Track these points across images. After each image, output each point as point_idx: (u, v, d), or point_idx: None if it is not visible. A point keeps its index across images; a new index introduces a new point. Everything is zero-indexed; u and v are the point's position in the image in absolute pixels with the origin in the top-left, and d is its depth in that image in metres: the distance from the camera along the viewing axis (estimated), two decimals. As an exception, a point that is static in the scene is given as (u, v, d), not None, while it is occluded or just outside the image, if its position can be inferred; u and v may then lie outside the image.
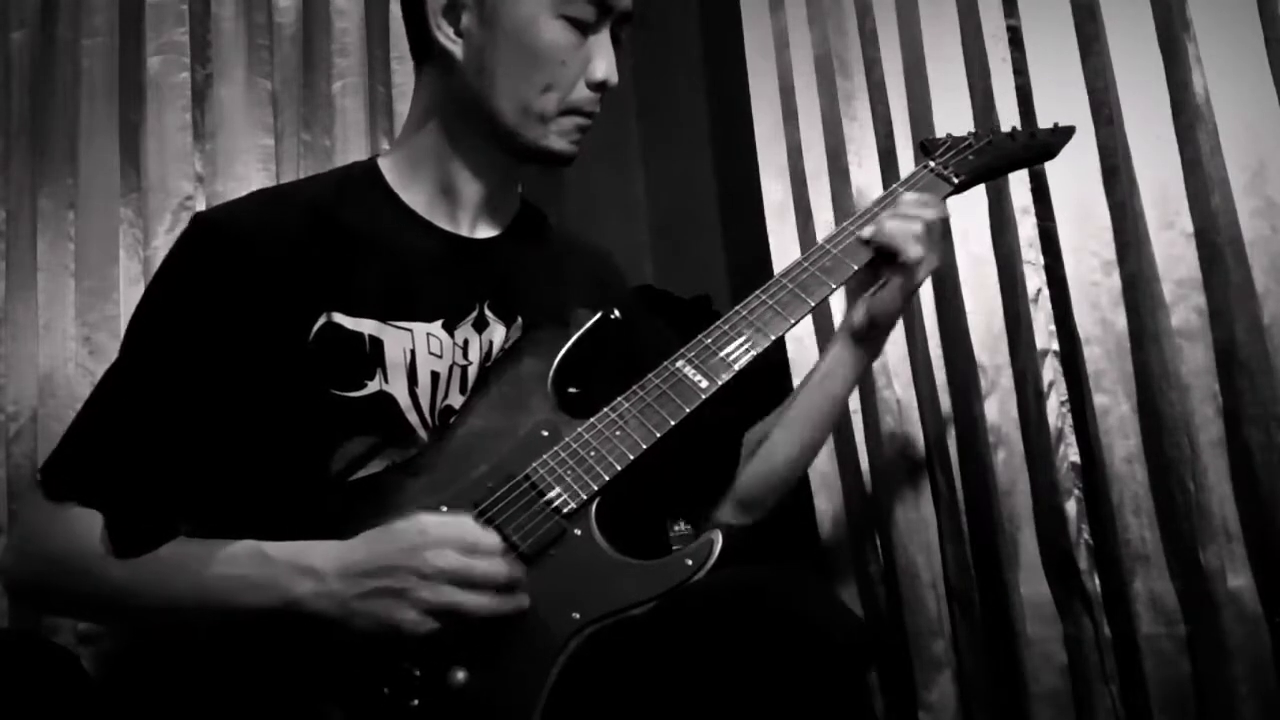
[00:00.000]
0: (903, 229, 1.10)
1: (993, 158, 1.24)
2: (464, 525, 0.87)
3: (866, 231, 1.11)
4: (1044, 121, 1.60)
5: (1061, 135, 1.30)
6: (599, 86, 1.02)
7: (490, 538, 0.86)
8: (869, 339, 1.18)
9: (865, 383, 1.69)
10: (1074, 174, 1.58)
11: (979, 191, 1.65)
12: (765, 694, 0.78)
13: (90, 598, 0.91)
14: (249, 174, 1.78)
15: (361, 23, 1.88)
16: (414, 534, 0.84)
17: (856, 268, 1.10)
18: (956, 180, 1.19)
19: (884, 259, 1.11)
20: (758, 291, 1.07)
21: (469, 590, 0.83)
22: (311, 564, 0.84)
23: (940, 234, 1.14)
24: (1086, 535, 1.54)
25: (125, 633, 0.98)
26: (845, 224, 1.14)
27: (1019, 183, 1.62)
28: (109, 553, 0.87)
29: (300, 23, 1.86)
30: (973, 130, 1.29)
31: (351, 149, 1.80)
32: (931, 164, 1.21)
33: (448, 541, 0.84)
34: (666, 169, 2.21)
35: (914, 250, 1.09)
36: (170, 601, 0.87)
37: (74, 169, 1.75)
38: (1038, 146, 1.29)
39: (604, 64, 1.01)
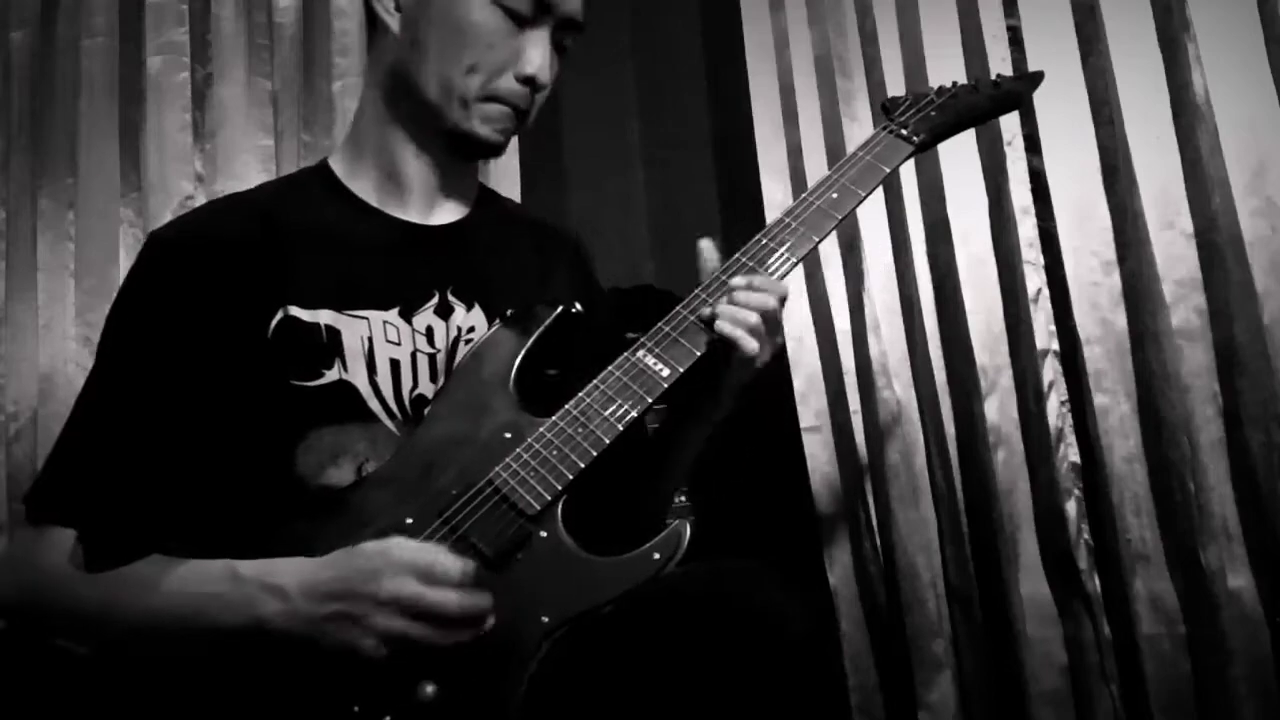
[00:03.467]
0: (737, 322, 0.99)
1: (955, 113, 1.19)
2: (428, 552, 0.85)
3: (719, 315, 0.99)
4: (1045, 121, 1.61)
5: (1029, 82, 1.25)
6: (527, 81, 1.01)
7: (450, 566, 0.83)
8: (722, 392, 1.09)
9: (865, 383, 1.70)
10: (1074, 174, 1.58)
11: (979, 191, 1.66)
12: (726, 688, 0.79)
13: (67, 617, 0.91)
14: (249, 174, 1.78)
15: (361, 23, 1.88)
16: (377, 558, 0.84)
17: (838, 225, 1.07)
18: (917, 140, 1.15)
19: (723, 346, 1.00)
20: (716, 272, 1.04)
21: (419, 620, 0.82)
22: (279, 583, 0.84)
23: (778, 319, 1.02)
24: (1086, 535, 1.54)
25: (107, 654, 0.97)
26: (805, 194, 1.10)
27: (1019, 183, 1.63)
28: (81, 568, 0.88)
29: (300, 23, 1.86)
30: (936, 86, 1.23)
31: (351, 149, 1.80)
32: (891, 125, 1.16)
33: (406, 568, 0.83)
34: (666, 169, 2.21)
35: (750, 345, 0.98)
36: (145, 620, 0.87)
37: (74, 169, 1.76)
38: (1004, 96, 1.23)
39: (535, 60, 1.00)
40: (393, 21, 1.02)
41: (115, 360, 0.96)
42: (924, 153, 1.18)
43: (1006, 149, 1.63)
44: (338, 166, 1.08)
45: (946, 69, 1.67)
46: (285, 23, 1.86)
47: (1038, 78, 1.26)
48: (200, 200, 1.77)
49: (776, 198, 1.79)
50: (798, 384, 1.73)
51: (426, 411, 0.99)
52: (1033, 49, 1.63)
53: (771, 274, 1.03)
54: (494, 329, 1.04)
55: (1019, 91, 1.24)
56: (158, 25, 1.79)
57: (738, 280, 1.01)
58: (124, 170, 1.77)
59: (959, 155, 1.64)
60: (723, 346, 1.00)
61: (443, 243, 1.07)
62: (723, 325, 0.98)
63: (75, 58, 1.78)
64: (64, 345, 1.71)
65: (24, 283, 1.73)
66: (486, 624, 0.85)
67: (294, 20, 1.86)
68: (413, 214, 1.07)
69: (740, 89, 1.85)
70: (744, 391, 1.08)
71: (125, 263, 1.73)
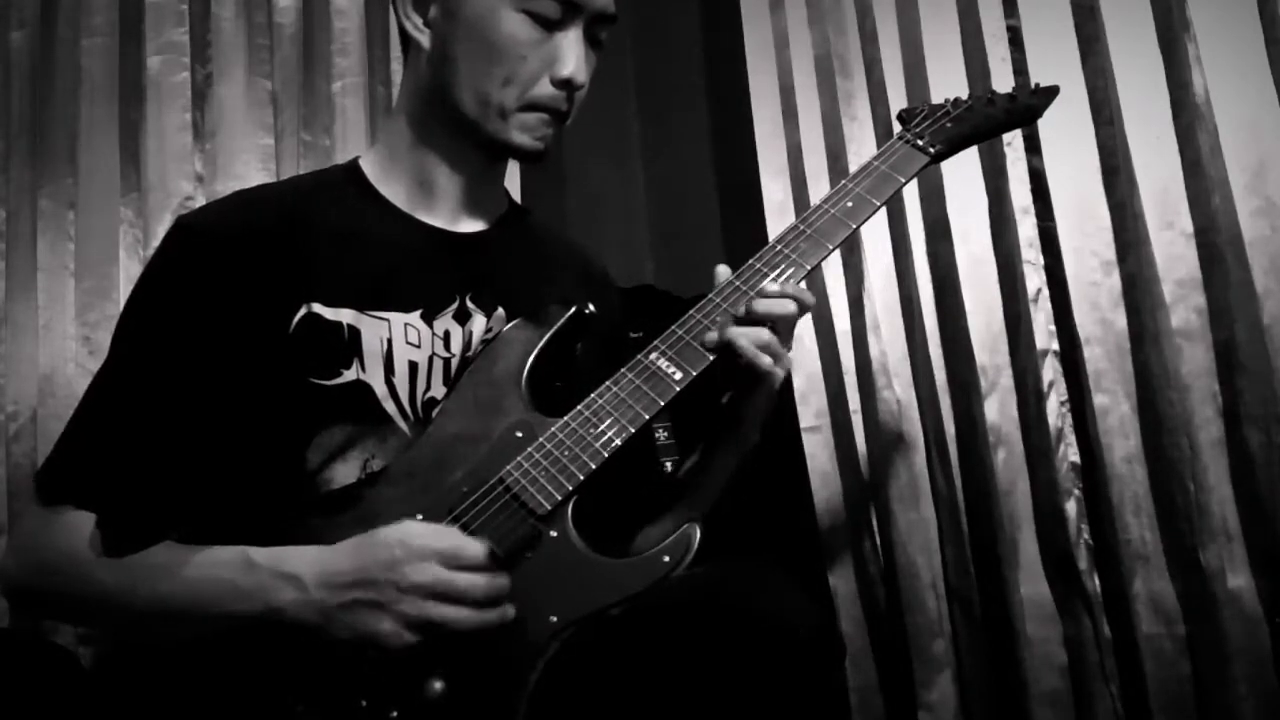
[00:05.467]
0: (751, 339, 0.98)
1: (971, 125, 1.21)
2: (447, 536, 0.86)
3: (716, 336, 0.99)
4: (1045, 121, 1.59)
5: (1045, 96, 1.26)
6: (564, 84, 1.00)
7: (474, 549, 0.85)
8: (745, 422, 1.09)
9: (865, 383, 1.70)
10: (1074, 174, 1.58)
11: (979, 191, 1.66)
12: (737, 690, 0.80)
13: (82, 600, 0.91)
14: (249, 174, 1.78)
15: (361, 23, 1.88)
16: (395, 545, 0.84)
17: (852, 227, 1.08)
18: (933, 150, 1.16)
19: (735, 363, 1.00)
20: (730, 277, 1.05)
21: (448, 604, 0.83)
22: (294, 572, 0.84)
23: (793, 325, 1.03)
24: (1086, 535, 1.54)
25: (117, 637, 0.98)
26: (819, 202, 1.10)
27: (1019, 183, 1.63)
28: (99, 553, 0.87)
29: (300, 23, 1.87)
30: (952, 97, 1.24)
31: (351, 149, 1.80)
32: (907, 135, 1.17)
33: (429, 554, 0.83)
34: (666, 169, 2.21)
35: (764, 362, 0.98)
36: (159, 605, 0.87)
37: (74, 169, 1.75)
38: (1020, 110, 1.25)
39: (569, 62, 0.99)
40: (423, 39, 1.02)
41: (136, 344, 0.96)
42: (938, 163, 1.19)
43: (1006, 149, 1.63)
44: (369, 168, 1.08)
45: (946, 69, 1.67)
46: (285, 23, 1.86)
47: (1053, 92, 1.27)
48: (200, 200, 1.77)
49: (776, 197, 1.79)
50: (798, 384, 1.73)
51: (437, 409, 0.99)
52: (1033, 49, 1.63)
53: (783, 280, 1.03)
54: (507, 328, 1.04)
55: (1034, 106, 1.25)
56: (158, 25, 1.79)
57: (766, 283, 1.01)
58: (124, 170, 1.77)
59: (959, 155, 1.62)
60: (736, 355, 0.99)
61: (466, 250, 1.07)
62: (740, 343, 0.97)
63: (75, 58, 1.78)
64: (64, 345, 1.70)
65: (24, 283, 1.73)
66: (509, 610, 0.85)
67: (294, 20, 1.86)
68: (440, 220, 1.07)
69: (740, 89, 1.86)
70: (767, 420, 1.08)
71: (125, 263, 1.73)
